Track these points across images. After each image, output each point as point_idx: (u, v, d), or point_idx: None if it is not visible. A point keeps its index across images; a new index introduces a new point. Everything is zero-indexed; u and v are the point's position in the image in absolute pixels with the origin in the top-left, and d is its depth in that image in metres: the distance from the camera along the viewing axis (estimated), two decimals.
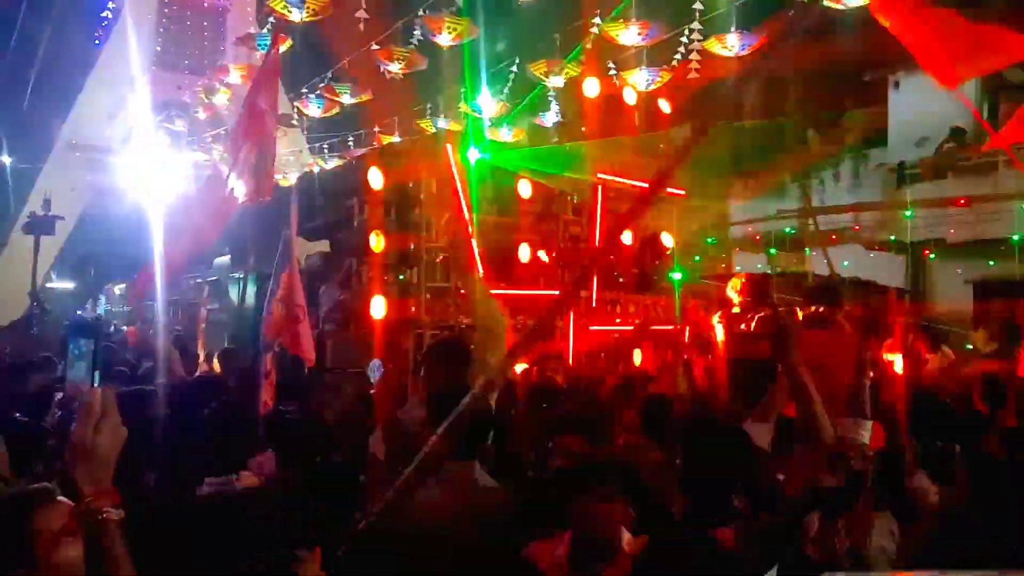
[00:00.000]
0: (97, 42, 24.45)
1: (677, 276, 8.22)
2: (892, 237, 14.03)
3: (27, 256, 18.29)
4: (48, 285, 21.38)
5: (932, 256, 14.01)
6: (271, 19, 10.09)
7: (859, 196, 14.97)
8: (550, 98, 12.35)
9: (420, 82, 12.52)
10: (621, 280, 8.82)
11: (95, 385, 1.89)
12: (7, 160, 21.98)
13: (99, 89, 22.99)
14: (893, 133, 15.15)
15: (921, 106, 13.74)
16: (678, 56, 9.55)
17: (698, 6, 8.68)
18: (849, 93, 15.68)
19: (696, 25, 8.91)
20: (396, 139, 14.63)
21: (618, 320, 8.35)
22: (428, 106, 14.43)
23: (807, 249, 13.25)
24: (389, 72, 10.38)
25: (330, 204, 10.38)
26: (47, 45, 24.27)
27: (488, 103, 12.36)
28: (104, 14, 25.00)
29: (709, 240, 13.76)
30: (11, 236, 20.99)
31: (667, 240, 8.95)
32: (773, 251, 14.17)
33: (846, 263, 12.56)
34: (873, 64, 14.84)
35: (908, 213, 13.58)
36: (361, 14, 9.40)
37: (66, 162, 22.25)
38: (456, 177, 7.68)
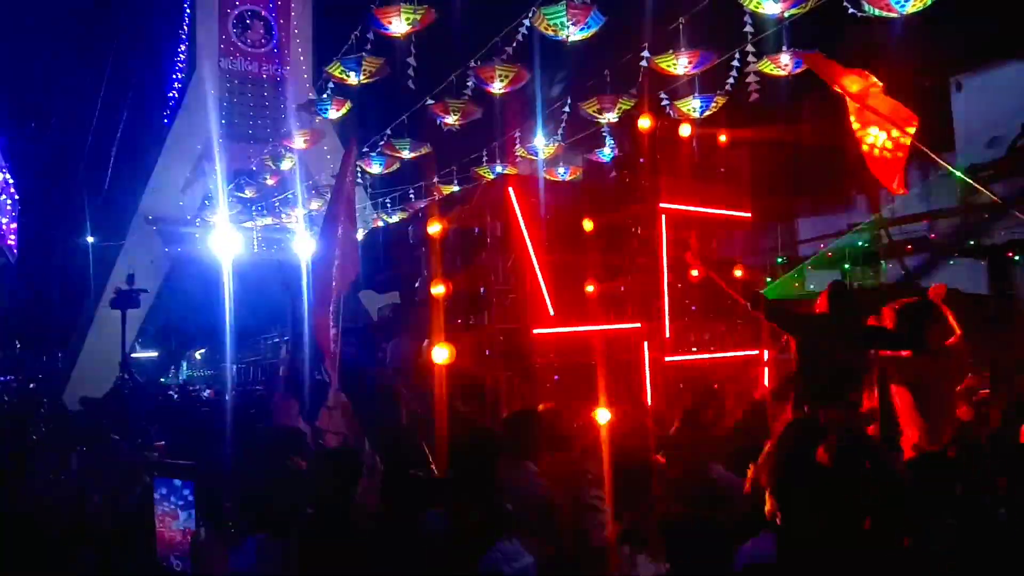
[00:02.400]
0: (166, 120, 25.71)
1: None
2: (971, 242, 13.51)
3: (114, 329, 19.07)
4: (132, 355, 22.16)
5: (1016, 259, 13.41)
6: (330, 84, 10.47)
7: (931, 203, 14.49)
8: (604, 133, 12.39)
9: (475, 129, 12.75)
10: (693, 308, 8.66)
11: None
12: (91, 239, 23.15)
13: (170, 164, 24.08)
14: (960, 136, 14.66)
15: (987, 106, 13.28)
16: (731, 80, 9.52)
17: (748, 29, 8.63)
18: (908, 102, 15.26)
19: (749, 48, 8.86)
20: (455, 188, 14.89)
21: (694, 349, 8.20)
22: (484, 152, 14.67)
23: (883, 262, 12.85)
24: (446, 124, 10.62)
25: (397, 256, 10.62)
26: (122, 129, 25.71)
27: (543, 145, 12.49)
28: (171, 94, 26.32)
29: (780, 260, 13.48)
30: (99, 311, 21.93)
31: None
32: (847, 267, 13.78)
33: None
34: (930, 69, 14.47)
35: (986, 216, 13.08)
36: (412, 72, 9.65)
37: (144, 236, 23.25)
38: (519, 219, 7.74)
